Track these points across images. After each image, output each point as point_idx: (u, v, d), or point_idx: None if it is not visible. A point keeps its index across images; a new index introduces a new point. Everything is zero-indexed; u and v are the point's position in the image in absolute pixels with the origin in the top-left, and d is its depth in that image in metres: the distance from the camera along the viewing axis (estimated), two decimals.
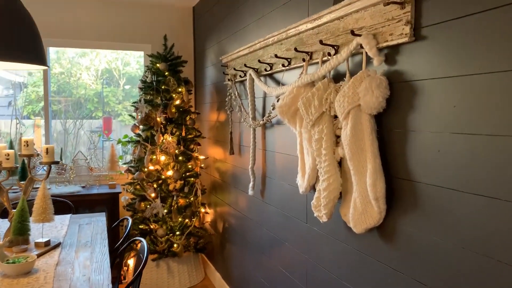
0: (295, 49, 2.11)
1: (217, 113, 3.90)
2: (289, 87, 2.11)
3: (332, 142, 1.84)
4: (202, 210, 4.12)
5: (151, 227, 3.89)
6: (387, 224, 1.64)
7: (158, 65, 3.90)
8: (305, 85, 2.03)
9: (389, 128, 1.62)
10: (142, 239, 2.29)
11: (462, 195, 1.30)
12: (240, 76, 3.02)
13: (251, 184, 2.86)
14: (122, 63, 5.83)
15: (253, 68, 2.76)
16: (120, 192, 4.04)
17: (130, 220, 2.82)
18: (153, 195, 3.88)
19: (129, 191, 3.96)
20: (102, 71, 5.60)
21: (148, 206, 3.85)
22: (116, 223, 3.11)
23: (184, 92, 3.93)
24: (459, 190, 1.31)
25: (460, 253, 1.31)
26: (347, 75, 1.78)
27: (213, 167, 4.08)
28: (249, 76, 2.79)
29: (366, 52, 1.64)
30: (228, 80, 3.24)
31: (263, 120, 2.61)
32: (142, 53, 4.68)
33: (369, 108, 1.58)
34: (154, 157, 3.86)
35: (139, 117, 3.86)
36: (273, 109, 2.47)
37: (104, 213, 3.16)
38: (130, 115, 4.05)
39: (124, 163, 4.14)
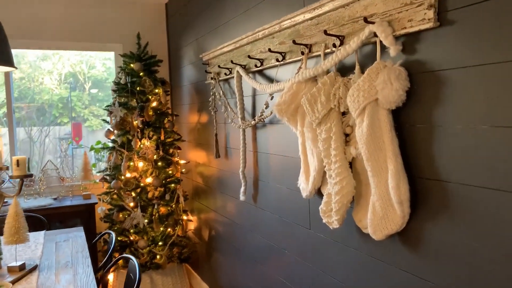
0: (294, 42, 1.95)
1: (198, 115, 3.69)
2: (287, 83, 1.94)
3: (342, 141, 1.68)
4: (185, 217, 3.90)
5: (131, 238, 3.64)
6: (411, 228, 1.50)
7: (132, 65, 3.65)
8: (306, 81, 1.87)
9: (410, 123, 1.47)
10: (132, 257, 2.07)
11: (502, 195, 1.17)
12: (226, 74, 2.83)
13: (242, 189, 2.67)
14: (87, 66, 5.52)
15: (241, 65, 2.58)
16: (96, 203, 3.76)
17: (114, 235, 2.58)
18: (131, 204, 3.63)
19: (105, 201, 3.69)
20: (65, 75, 5.28)
21: (127, 217, 3.61)
22: (97, 238, 2.85)
23: (161, 93, 3.70)
24: (500, 189, 1.18)
25: (502, 259, 1.18)
26: (357, 67, 1.63)
27: (195, 172, 3.87)
28: (236, 74, 2.61)
29: (380, 41, 1.49)
30: (211, 79, 3.04)
31: (254, 120, 2.43)
32: (109, 55, 4.41)
33: (388, 102, 1.43)
34: (132, 163, 3.62)
35: (114, 121, 3.61)
36: (266, 107, 2.30)
37: (81, 227, 2.90)
38: (103, 120, 3.79)
39: (99, 172, 3.87)
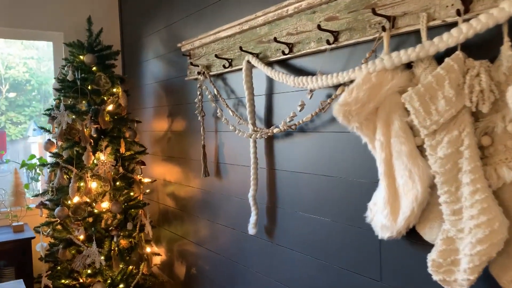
0: (373, 11, 1.33)
1: (167, 121, 2.94)
2: (360, 72, 1.32)
3: (478, 158, 1.09)
4: (148, 250, 3.09)
5: (82, 281, 2.78)
6: None
7: (81, 57, 2.82)
8: (394, 69, 1.26)
9: None
10: None
11: None
12: (225, 66, 2.14)
13: (252, 219, 1.99)
14: (4, 66, 4.52)
15: (253, 54, 1.92)
16: (33, 237, 2.86)
17: None
18: (81, 237, 2.78)
19: (45, 234, 2.80)
20: None
21: (76, 254, 2.75)
22: None
23: (120, 93, 2.90)
24: None
25: None
26: (506, 43, 1.05)
27: (163, 192, 3.10)
28: (245, 65, 1.93)
29: None
30: (198, 73, 2.33)
31: (277, 127, 1.77)
32: (31, 53, 3.50)
33: None
34: (82, 184, 2.77)
35: (57, 130, 2.74)
36: (301, 109, 1.65)
37: (21, 280, 2.04)
38: (42, 128, 2.90)
39: (35, 195, 2.95)
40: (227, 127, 2.28)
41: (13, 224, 2.96)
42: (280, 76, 1.68)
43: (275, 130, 1.79)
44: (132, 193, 2.94)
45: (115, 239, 2.82)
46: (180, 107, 2.75)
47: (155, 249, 3.19)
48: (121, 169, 2.86)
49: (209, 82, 2.29)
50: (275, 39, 1.73)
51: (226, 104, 2.15)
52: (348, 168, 1.56)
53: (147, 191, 3.10)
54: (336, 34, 1.52)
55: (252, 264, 2.14)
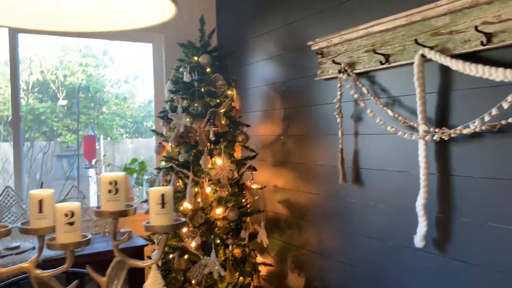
0: None
1: (282, 124, 2.80)
2: None
3: None
4: (260, 259, 2.94)
5: None
6: None
7: (196, 58, 2.72)
8: None
9: None
10: None
11: None
12: (381, 62, 1.97)
13: (421, 231, 1.80)
14: (63, 72, 4.53)
15: (428, 47, 1.74)
16: (146, 245, 2.75)
17: None
18: (193, 244, 2.66)
19: (157, 241, 2.69)
20: (33, 83, 4.28)
21: (189, 263, 2.63)
22: None
23: (235, 96, 2.78)
24: None
25: None
26: None
27: (272, 199, 2.96)
28: (418, 60, 1.76)
29: None
30: (339, 72, 2.18)
31: (468, 127, 1.59)
32: (89, 61, 3.44)
33: None
34: (198, 189, 2.66)
35: (172, 133, 2.64)
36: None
37: None
38: (153, 131, 2.80)
39: (145, 200, 2.85)
40: (370, 129, 2.12)
41: (122, 230, 2.86)
42: (486, 70, 1.50)
43: (466, 131, 1.60)
44: (243, 200, 2.81)
45: (230, 248, 2.68)
46: (300, 109, 2.61)
47: (263, 259, 3.03)
48: (235, 174, 2.73)
49: (352, 81, 2.13)
50: (476, 28, 1.55)
51: (382, 104, 1.98)
52: None
53: (256, 197, 2.95)
54: None
55: (408, 277, 1.94)
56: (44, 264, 2.39)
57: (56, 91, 4.41)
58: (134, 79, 4.91)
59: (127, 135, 4.83)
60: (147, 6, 1.10)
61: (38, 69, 4.29)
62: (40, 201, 1.12)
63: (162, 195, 1.09)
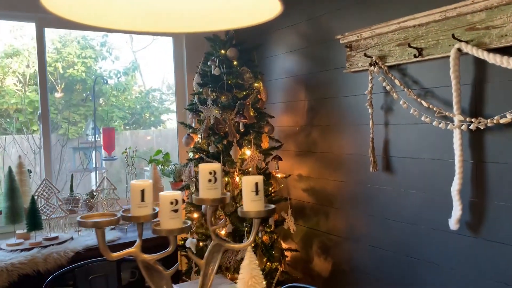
0: None
1: (307, 115, 2.89)
2: None
3: None
4: (284, 246, 3.06)
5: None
6: None
7: (223, 51, 2.79)
8: None
9: None
10: None
11: None
12: (415, 55, 2.06)
13: (457, 214, 1.92)
14: (62, 65, 4.56)
15: (464, 41, 1.85)
16: None
17: None
18: (223, 232, 2.77)
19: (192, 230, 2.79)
20: (30, 75, 4.32)
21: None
22: None
23: (261, 88, 2.87)
24: None
25: None
26: None
27: (296, 187, 3.06)
28: (454, 54, 1.86)
29: None
30: (370, 65, 2.27)
31: (507, 116, 1.70)
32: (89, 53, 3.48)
33: None
34: (228, 179, 2.75)
35: (202, 125, 2.72)
36: None
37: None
38: (182, 123, 2.88)
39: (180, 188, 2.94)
40: (401, 119, 2.22)
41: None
42: None
43: (503, 120, 1.71)
44: (271, 189, 2.91)
45: (260, 235, 2.79)
46: (327, 101, 2.70)
47: (287, 245, 3.15)
48: (263, 164, 2.83)
49: (384, 73, 2.23)
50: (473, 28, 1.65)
51: (415, 95, 2.09)
52: None
53: (281, 186, 3.06)
54: None
55: (441, 258, 2.07)
56: (85, 252, 2.49)
57: (54, 83, 4.45)
58: (133, 71, 4.97)
59: (127, 127, 4.88)
60: (255, 5, 1.16)
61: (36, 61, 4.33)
62: (142, 191, 1.22)
63: (256, 184, 1.18)
